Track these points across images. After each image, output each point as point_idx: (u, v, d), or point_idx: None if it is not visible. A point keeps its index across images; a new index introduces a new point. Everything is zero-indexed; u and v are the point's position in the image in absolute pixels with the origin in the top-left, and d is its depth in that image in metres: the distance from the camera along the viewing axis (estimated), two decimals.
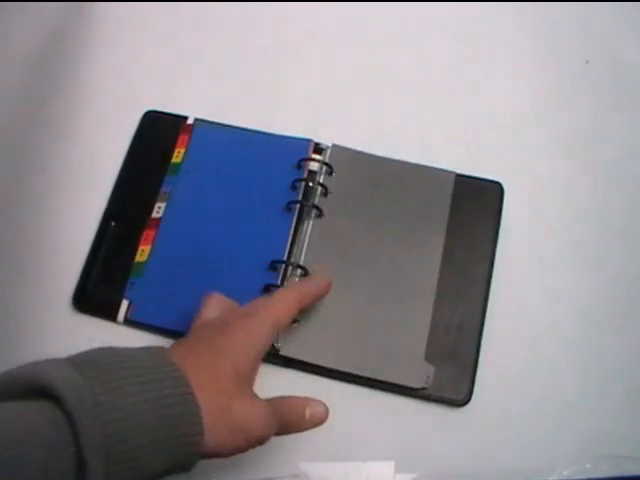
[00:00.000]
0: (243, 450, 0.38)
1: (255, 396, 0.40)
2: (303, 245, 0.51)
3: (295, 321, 0.48)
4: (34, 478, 0.30)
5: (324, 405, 0.42)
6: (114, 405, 0.33)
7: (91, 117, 0.57)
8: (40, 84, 0.59)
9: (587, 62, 0.60)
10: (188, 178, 0.54)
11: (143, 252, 0.51)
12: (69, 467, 0.31)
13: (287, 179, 0.53)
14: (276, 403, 0.40)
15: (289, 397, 0.42)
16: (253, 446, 0.39)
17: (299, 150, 0.54)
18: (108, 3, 0.62)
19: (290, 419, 0.41)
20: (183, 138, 0.55)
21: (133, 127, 0.56)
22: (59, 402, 0.32)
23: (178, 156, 0.54)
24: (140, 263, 0.51)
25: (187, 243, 0.51)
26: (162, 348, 0.38)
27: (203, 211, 0.52)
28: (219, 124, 0.56)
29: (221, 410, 0.37)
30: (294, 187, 0.53)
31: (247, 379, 0.40)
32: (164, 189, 0.53)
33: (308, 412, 0.41)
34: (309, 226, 0.52)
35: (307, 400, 0.42)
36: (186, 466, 0.37)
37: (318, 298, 0.46)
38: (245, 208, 0.52)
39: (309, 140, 0.54)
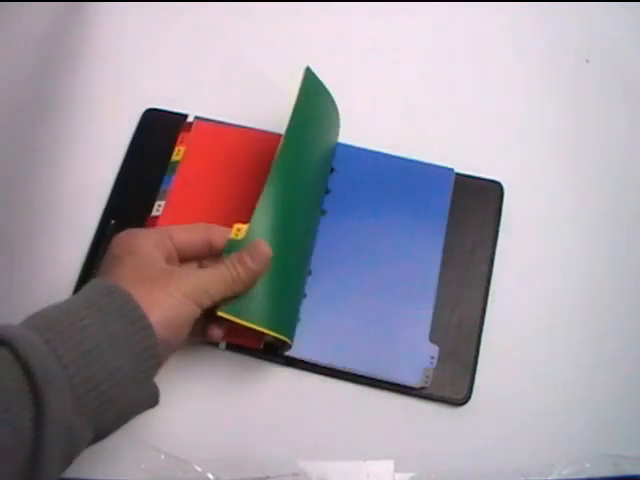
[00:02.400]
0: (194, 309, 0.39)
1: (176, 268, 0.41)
2: None
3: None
4: None
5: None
6: (61, 332, 0.34)
7: (91, 115, 0.57)
8: (40, 83, 0.59)
9: (587, 62, 0.60)
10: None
11: None
12: (22, 396, 0.32)
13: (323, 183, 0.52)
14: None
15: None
16: (203, 302, 0.39)
17: None
18: (108, 3, 0.62)
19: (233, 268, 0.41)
20: (184, 136, 0.55)
21: (133, 125, 0.56)
22: (4, 344, 0.33)
23: (178, 154, 0.54)
24: None
25: None
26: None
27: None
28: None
29: (152, 287, 0.38)
30: None
31: (159, 260, 0.40)
32: (164, 187, 0.53)
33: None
34: None
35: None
36: (153, 360, 0.37)
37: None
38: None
39: None
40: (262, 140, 0.55)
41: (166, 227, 0.43)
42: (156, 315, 0.36)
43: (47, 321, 0.35)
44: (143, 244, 0.40)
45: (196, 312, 0.39)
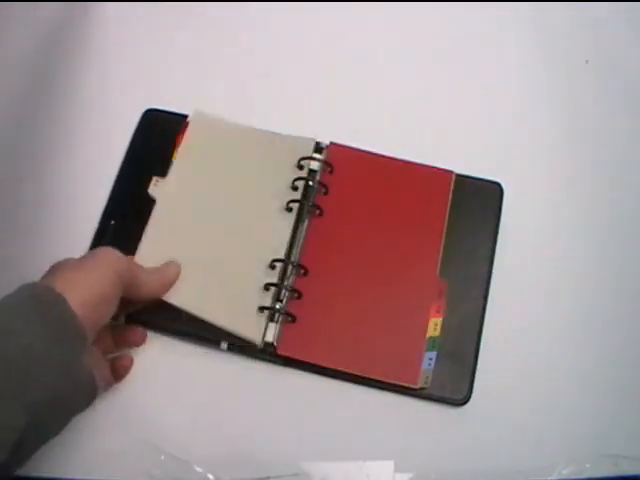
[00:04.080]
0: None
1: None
2: (303, 244, 0.51)
3: (293, 320, 0.48)
4: None
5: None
6: None
7: (91, 115, 0.57)
8: (40, 83, 0.59)
9: (587, 62, 0.60)
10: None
11: None
12: None
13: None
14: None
15: None
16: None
17: (300, 149, 0.54)
18: (108, 3, 0.62)
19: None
20: (181, 136, 0.55)
21: (133, 125, 0.56)
22: None
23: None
24: None
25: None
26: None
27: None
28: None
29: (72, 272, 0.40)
30: (294, 187, 0.52)
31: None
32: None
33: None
34: (309, 225, 0.52)
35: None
36: (70, 332, 0.37)
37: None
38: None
39: (310, 139, 0.54)
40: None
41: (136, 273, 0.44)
42: (80, 295, 0.38)
43: None
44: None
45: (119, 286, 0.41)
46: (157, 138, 0.56)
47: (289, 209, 0.52)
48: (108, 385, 0.45)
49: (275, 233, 0.51)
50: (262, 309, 0.48)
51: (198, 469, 0.45)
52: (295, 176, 0.53)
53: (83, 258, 0.42)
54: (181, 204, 0.52)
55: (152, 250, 0.49)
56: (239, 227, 0.51)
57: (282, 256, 0.50)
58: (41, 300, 0.37)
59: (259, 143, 0.55)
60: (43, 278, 0.41)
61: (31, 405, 0.35)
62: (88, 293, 0.39)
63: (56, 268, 0.41)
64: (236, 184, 0.53)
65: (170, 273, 0.46)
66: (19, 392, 0.34)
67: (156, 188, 0.52)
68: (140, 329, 0.47)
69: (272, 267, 0.50)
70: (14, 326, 0.36)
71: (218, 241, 0.51)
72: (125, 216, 0.53)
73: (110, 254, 0.42)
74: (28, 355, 0.35)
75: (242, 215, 0.52)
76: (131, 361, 0.47)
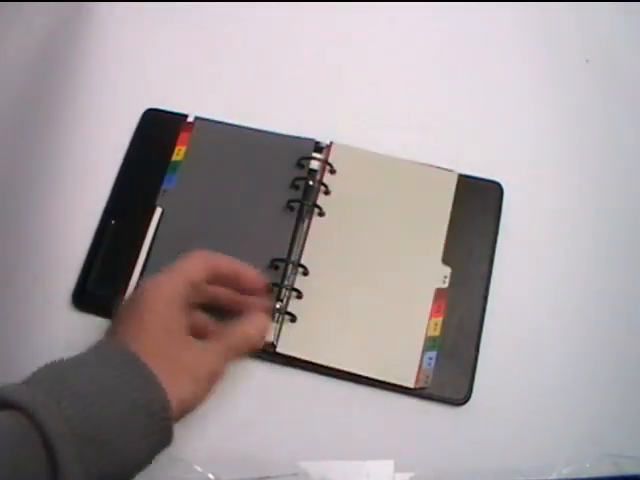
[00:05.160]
0: (208, 389, 0.41)
1: (193, 339, 0.42)
2: (304, 244, 0.51)
3: (293, 319, 0.48)
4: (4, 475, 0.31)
5: (263, 315, 0.45)
6: (75, 398, 0.34)
7: (90, 115, 0.57)
8: (40, 83, 0.58)
9: (587, 62, 0.60)
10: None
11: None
12: (39, 465, 0.32)
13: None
14: (220, 333, 0.43)
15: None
16: (214, 381, 0.41)
17: (300, 149, 0.54)
18: (108, 3, 0.62)
19: (237, 342, 0.43)
20: (184, 136, 0.55)
21: (133, 125, 0.56)
22: (21, 410, 0.33)
23: (179, 154, 0.54)
24: None
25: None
26: (104, 339, 0.41)
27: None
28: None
29: (171, 364, 0.39)
30: (295, 186, 0.53)
31: (178, 328, 0.41)
32: (165, 187, 0.53)
33: (251, 329, 0.44)
34: (310, 225, 0.52)
35: (248, 318, 0.45)
36: (165, 439, 0.38)
37: (232, 275, 0.46)
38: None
39: (310, 139, 0.54)
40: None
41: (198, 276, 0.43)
42: (173, 396, 0.38)
43: (59, 380, 0.35)
44: (164, 302, 0.41)
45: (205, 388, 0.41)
46: (157, 138, 0.56)
47: (291, 208, 0.52)
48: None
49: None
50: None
51: (198, 469, 0.45)
52: (295, 175, 0.53)
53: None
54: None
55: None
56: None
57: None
58: (148, 411, 0.36)
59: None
60: (120, 334, 0.40)
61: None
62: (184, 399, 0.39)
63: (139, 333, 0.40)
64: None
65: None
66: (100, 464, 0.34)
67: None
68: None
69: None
70: (129, 442, 0.35)
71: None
72: (125, 216, 0.53)
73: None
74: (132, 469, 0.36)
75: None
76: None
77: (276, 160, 0.54)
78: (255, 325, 0.45)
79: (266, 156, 0.54)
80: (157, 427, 0.36)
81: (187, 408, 0.39)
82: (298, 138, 0.54)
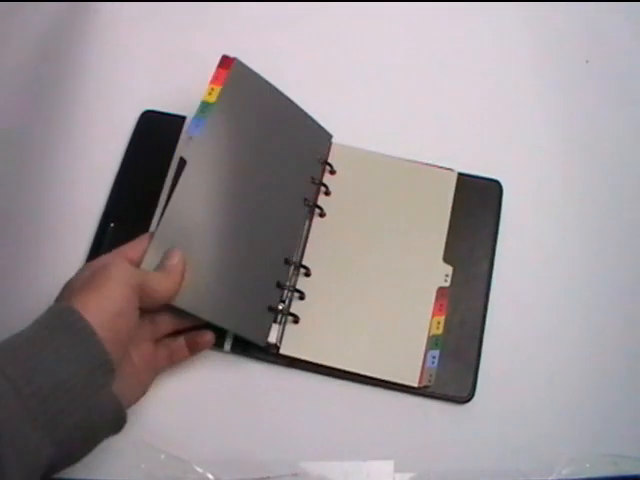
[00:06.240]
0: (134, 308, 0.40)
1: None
2: (305, 244, 0.51)
3: (296, 320, 0.48)
4: None
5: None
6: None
7: (88, 117, 0.57)
8: (39, 84, 0.59)
9: (587, 62, 0.60)
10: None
11: None
12: None
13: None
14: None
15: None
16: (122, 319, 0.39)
17: (321, 140, 0.54)
18: (108, 3, 0.62)
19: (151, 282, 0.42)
20: (220, 73, 0.49)
21: (131, 127, 0.56)
22: None
23: (212, 94, 0.48)
24: None
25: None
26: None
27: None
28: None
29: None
30: (314, 182, 0.52)
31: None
32: (191, 133, 0.47)
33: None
34: (311, 225, 0.52)
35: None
36: (103, 368, 0.37)
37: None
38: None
39: (329, 133, 0.54)
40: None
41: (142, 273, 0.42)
42: (98, 316, 0.37)
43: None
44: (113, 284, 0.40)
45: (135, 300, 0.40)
46: (155, 139, 0.55)
47: (307, 205, 0.51)
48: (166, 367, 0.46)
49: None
50: (270, 309, 0.48)
51: (198, 469, 0.45)
52: (315, 172, 0.52)
53: (94, 275, 0.40)
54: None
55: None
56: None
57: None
58: (70, 330, 0.36)
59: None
60: (59, 300, 0.40)
61: (60, 441, 0.35)
62: (105, 313, 0.38)
63: (70, 289, 0.40)
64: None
65: (178, 268, 0.43)
66: (51, 429, 0.34)
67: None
68: (210, 332, 0.46)
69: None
70: (48, 361, 0.35)
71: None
72: (124, 218, 0.52)
73: (121, 268, 0.40)
74: (61, 392, 0.35)
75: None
76: (212, 336, 0.46)
77: (305, 145, 0.53)
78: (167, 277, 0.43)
79: (297, 133, 0.52)
80: (82, 341, 0.36)
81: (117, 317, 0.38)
82: (322, 128, 0.54)
